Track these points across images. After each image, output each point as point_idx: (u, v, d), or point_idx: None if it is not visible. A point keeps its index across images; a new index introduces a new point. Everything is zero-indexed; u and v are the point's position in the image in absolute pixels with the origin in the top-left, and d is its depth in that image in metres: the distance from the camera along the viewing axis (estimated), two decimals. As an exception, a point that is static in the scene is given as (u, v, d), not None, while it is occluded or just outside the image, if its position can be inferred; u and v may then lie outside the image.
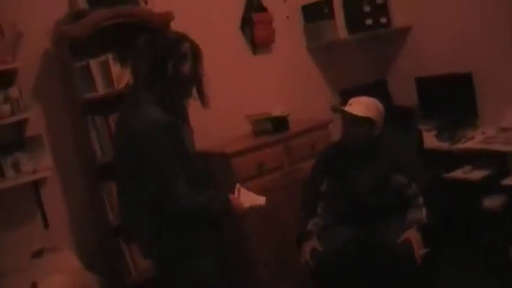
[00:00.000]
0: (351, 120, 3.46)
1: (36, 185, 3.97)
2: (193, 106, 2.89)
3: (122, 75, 3.89)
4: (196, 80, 2.70)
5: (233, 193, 2.86)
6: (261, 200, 2.92)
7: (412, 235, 3.28)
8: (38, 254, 3.71)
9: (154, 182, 2.51)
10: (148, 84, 2.59)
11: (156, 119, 2.50)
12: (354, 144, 3.53)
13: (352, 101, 3.55)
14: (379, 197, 3.47)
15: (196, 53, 2.67)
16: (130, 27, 3.76)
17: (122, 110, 2.79)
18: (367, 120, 3.45)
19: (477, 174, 4.27)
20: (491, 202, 4.18)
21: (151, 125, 2.49)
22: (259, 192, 3.92)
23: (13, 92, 3.71)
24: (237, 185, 2.94)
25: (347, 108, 3.49)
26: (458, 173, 4.37)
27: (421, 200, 3.39)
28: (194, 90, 2.76)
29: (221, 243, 2.83)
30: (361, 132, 3.48)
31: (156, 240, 2.67)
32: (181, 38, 2.68)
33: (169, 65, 2.58)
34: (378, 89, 5.34)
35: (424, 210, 3.36)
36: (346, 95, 4.67)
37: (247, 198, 2.88)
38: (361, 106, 3.47)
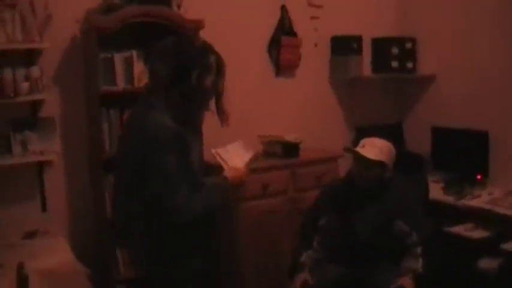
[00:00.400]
0: (363, 162, 3.41)
1: (41, 167, 3.98)
2: (207, 118, 2.86)
3: (144, 74, 3.90)
4: (215, 94, 2.67)
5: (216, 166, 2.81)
6: (248, 154, 2.89)
7: (406, 283, 3.24)
8: (30, 235, 3.69)
9: (157, 188, 2.47)
10: (165, 88, 2.54)
11: (165, 126, 2.46)
12: (363, 185, 3.49)
13: (366, 142, 3.49)
14: (377, 239, 3.43)
15: (220, 67, 2.63)
16: (159, 28, 3.79)
17: (133, 110, 2.76)
18: (379, 164, 3.42)
19: (478, 234, 4.24)
20: (487, 264, 4.14)
21: (161, 130, 2.45)
22: (260, 213, 3.95)
23: (34, 71, 3.75)
24: (213, 151, 2.87)
25: (360, 150, 3.43)
26: (459, 229, 4.34)
27: (419, 250, 3.35)
28: (213, 106, 2.72)
29: (213, 244, 2.80)
30: (372, 174, 3.43)
31: (147, 239, 2.64)
32: (209, 49, 2.64)
33: (193, 75, 2.53)
34: (393, 132, 5.33)
35: (420, 261, 3.32)
36: (361, 133, 4.67)
37: (234, 156, 2.82)
38: (375, 149, 3.42)
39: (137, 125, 2.56)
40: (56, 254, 3.38)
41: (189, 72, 2.53)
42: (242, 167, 2.80)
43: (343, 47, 5.11)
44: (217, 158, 2.84)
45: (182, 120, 2.54)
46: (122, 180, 2.70)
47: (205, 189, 2.60)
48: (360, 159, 3.42)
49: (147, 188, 2.49)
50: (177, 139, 2.47)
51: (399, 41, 5.24)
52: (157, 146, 2.44)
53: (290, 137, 4.49)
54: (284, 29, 4.93)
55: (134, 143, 2.55)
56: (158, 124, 2.46)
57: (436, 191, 4.58)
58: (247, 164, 2.82)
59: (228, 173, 2.77)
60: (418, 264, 3.31)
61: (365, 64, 5.18)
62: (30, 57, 3.84)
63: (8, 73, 3.64)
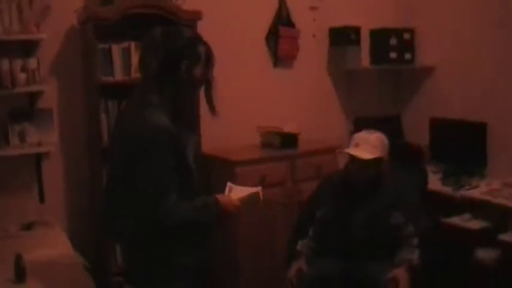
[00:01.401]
0: (360, 163, 3.36)
1: (38, 158, 3.99)
2: (204, 109, 2.83)
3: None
4: (205, 84, 2.60)
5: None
6: (254, 190, 2.71)
7: (401, 274, 3.21)
8: (28, 226, 3.71)
9: (145, 186, 2.39)
10: (157, 81, 2.48)
11: (161, 125, 2.40)
12: (360, 183, 3.47)
13: (358, 140, 3.43)
14: (373, 232, 3.42)
15: (209, 57, 2.57)
16: (157, 19, 3.77)
17: (127, 105, 2.72)
18: (376, 161, 3.37)
19: (475, 224, 4.24)
20: (485, 254, 4.14)
21: (156, 129, 2.39)
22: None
23: (32, 62, 3.74)
24: (228, 184, 2.75)
25: (354, 151, 3.38)
26: (456, 220, 4.34)
27: (415, 241, 3.33)
28: (203, 95, 2.65)
29: (204, 258, 2.73)
30: (370, 172, 3.41)
31: (134, 248, 2.58)
32: (197, 38, 2.59)
33: (182, 65, 2.48)
34: (391, 123, 5.34)
35: (416, 252, 3.30)
36: (359, 124, 4.68)
37: (240, 193, 2.67)
38: (369, 146, 3.36)
39: (132, 122, 2.48)
40: (53, 245, 3.40)
41: (178, 63, 2.48)
42: (237, 202, 2.63)
43: (342, 38, 5.09)
44: (227, 188, 2.73)
45: (176, 114, 2.50)
46: (113, 176, 2.65)
47: (194, 205, 2.50)
48: (355, 160, 3.38)
49: (136, 185, 2.43)
50: (173, 139, 2.41)
51: (398, 32, 5.22)
52: (152, 145, 2.38)
53: (289, 128, 4.49)
54: (282, 19, 4.92)
55: (129, 140, 2.48)
56: (154, 123, 2.39)
57: (434, 182, 4.57)
58: (242, 199, 2.65)
59: (223, 199, 2.62)
60: (414, 255, 3.29)
61: (363, 55, 5.17)
62: (27, 48, 3.83)
63: (5, 64, 3.63)
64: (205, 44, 2.57)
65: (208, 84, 2.60)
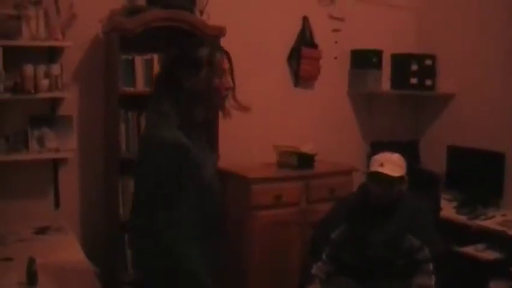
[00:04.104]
0: (385, 182, 3.39)
1: (56, 164, 4.01)
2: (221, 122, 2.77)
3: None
4: (212, 91, 2.44)
5: None
6: None
7: None
8: (42, 230, 3.71)
9: (150, 188, 2.33)
10: (167, 91, 2.40)
11: (170, 138, 2.32)
12: (384, 202, 3.47)
13: (382, 160, 3.45)
14: (389, 254, 3.41)
15: (213, 62, 2.42)
16: (181, 32, 3.81)
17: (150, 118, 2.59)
18: (400, 179, 3.42)
19: (489, 255, 4.20)
20: (498, 286, 4.11)
21: (172, 145, 2.32)
22: (271, 223, 3.93)
23: (55, 69, 3.78)
24: None
25: (383, 170, 3.39)
26: (470, 249, 4.31)
27: (431, 266, 3.32)
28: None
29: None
30: (394, 190, 3.43)
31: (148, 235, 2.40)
32: (199, 44, 2.48)
33: (181, 74, 2.39)
34: (408, 149, 5.30)
35: (433, 278, 3.29)
36: (376, 147, 4.65)
37: None
38: (394, 165, 3.41)
39: (149, 135, 2.43)
40: (66, 251, 3.40)
41: (176, 72, 2.40)
42: None
43: (363, 60, 5.11)
44: None
45: (189, 125, 2.41)
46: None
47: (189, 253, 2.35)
48: (382, 178, 3.39)
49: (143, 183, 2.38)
50: (183, 152, 2.33)
51: (419, 58, 5.23)
52: (165, 158, 2.31)
53: (306, 148, 4.49)
54: (305, 40, 4.94)
55: (140, 150, 2.50)
56: (166, 135, 2.33)
57: (448, 210, 4.56)
58: None
59: None
60: (431, 281, 3.28)
61: (384, 79, 5.16)
62: (51, 54, 3.88)
63: (29, 69, 3.67)
64: (214, 48, 2.49)
65: (218, 90, 2.51)
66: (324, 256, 3.53)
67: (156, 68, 3.92)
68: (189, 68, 2.41)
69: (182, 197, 2.35)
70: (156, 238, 2.31)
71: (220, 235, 2.59)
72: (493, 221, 4.35)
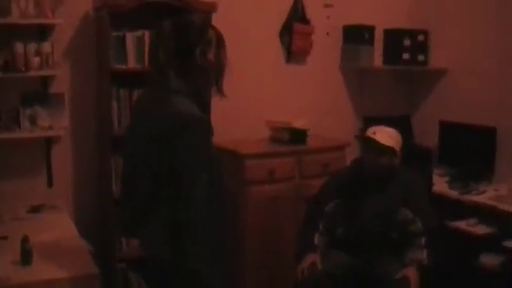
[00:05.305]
0: (376, 149, 3.43)
1: (48, 142, 4.01)
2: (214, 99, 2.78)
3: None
4: (218, 68, 2.53)
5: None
6: None
7: (412, 274, 3.25)
8: (36, 209, 3.72)
9: (177, 177, 2.33)
10: (176, 70, 2.43)
11: (191, 112, 2.35)
12: (374, 173, 3.50)
13: (376, 129, 3.52)
14: (382, 226, 3.44)
15: (219, 40, 2.52)
16: (172, 9, 3.78)
17: (149, 93, 2.60)
18: (390, 150, 3.44)
19: (481, 229, 4.23)
20: (489, 260, 4.14)
21: (186, 117, 2.33)
22: (265, 198, 3.94)
23: (46, 46, 3.76)
24: None
25: (373, 136, 3.46)
26: (462, 224, 4.34)
27: (423, 240, 3.36)
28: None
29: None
30: (384, 161, 3.46)
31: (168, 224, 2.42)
32: (207, 23, 2.56)
33: (197, 52, 2.45)
34: (401, 124, 5.25)
35: (425, 252, 3.33)
36: (368, 122, 4.65)
37: None
38: (386, 135, 3.46)
39: (157, 109, 2.41)
40: (60, 229, 3.41)
41: (192, 50, 2.44)
42: None
43: (355, 36, 5.09)
44: None
45: (201, 102, 2.46)
46: (135, 167, 2.55)
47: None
48: (372, 145, 3.44)
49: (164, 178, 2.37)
50: (204, 125, 2.39)
51: (411, 33, 5.21)
52: (183, 131, 2.31)
53: (298, 124, 4.49)
54: (297, 15, 4.92)
55: (156, 127, 2.39)
56: (184, 109, 2.35)
57: (441, 185, 4.59)
58: None
59: None
60: (423, 255, 3.33)
61: (376, 55, 5.15)
62: (42, 32, 3.85)
63: (19, 47, 3.65)
64: (214, 27, 2.54)
65: (221, 67, 2.56)
66: (320, 227, 3.56)
67: (148, 44, 3.89)
68: (201, 37, 2.45)
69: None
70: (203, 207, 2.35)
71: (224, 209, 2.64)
72: (484, 195, 4.37)
